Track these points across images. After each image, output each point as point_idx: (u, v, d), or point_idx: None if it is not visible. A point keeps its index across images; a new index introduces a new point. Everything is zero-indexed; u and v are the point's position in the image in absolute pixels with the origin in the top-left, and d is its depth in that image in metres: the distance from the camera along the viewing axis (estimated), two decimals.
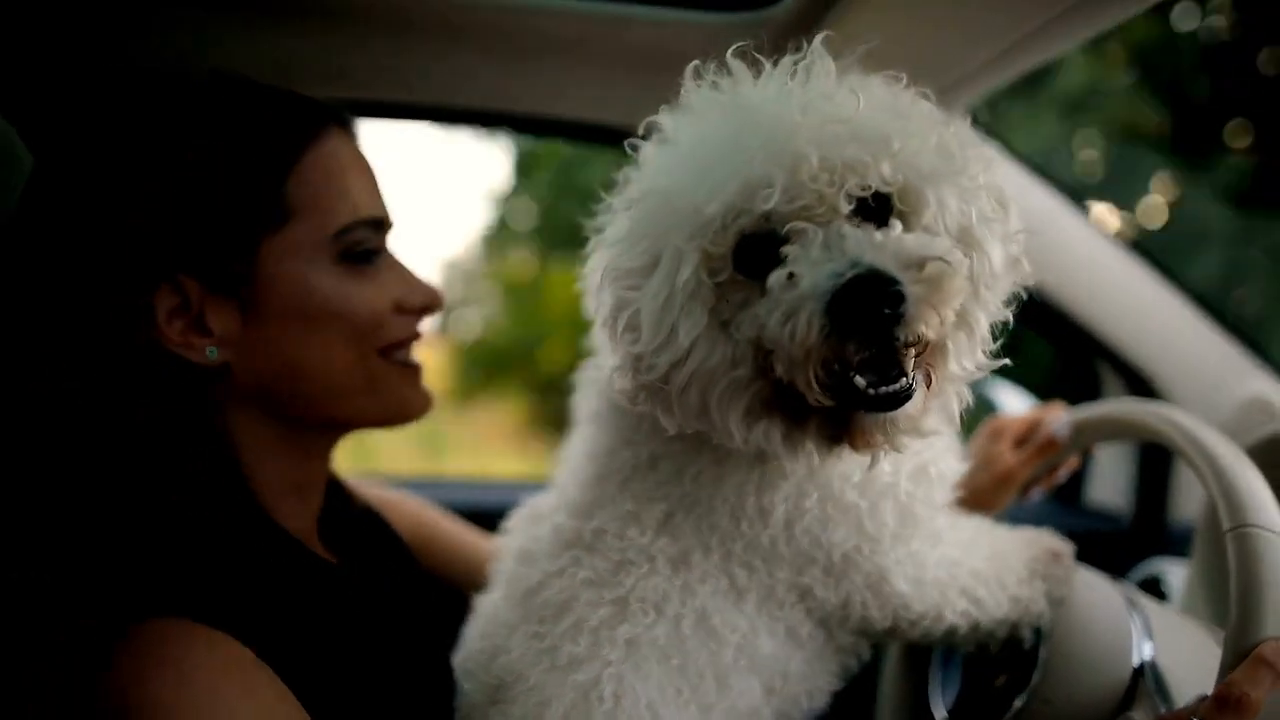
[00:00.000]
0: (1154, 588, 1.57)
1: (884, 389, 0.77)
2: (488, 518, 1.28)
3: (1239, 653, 0.84)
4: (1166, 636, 1.02)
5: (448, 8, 1.29)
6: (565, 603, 0.94)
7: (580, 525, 0.97)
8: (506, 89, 1.44)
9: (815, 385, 0.76)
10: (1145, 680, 0.97)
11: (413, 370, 1.00)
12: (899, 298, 0.73)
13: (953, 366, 0.82)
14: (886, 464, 0.92)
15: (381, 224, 0.94)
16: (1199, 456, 0.98)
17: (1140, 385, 1.83)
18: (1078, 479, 2.06)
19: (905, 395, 0.78)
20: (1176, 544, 1.75)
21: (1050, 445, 1.31)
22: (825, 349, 0.75)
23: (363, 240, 0.92)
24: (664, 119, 0.88)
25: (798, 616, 0.96)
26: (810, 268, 0.75)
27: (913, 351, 0.78)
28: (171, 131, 0.85)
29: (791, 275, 0.75)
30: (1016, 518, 1.77)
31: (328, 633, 0.90)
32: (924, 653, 1.22)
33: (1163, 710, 0.92)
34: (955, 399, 0.85)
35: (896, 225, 0.80)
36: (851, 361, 0.75)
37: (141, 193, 0.83)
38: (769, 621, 0.95)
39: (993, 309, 0.86)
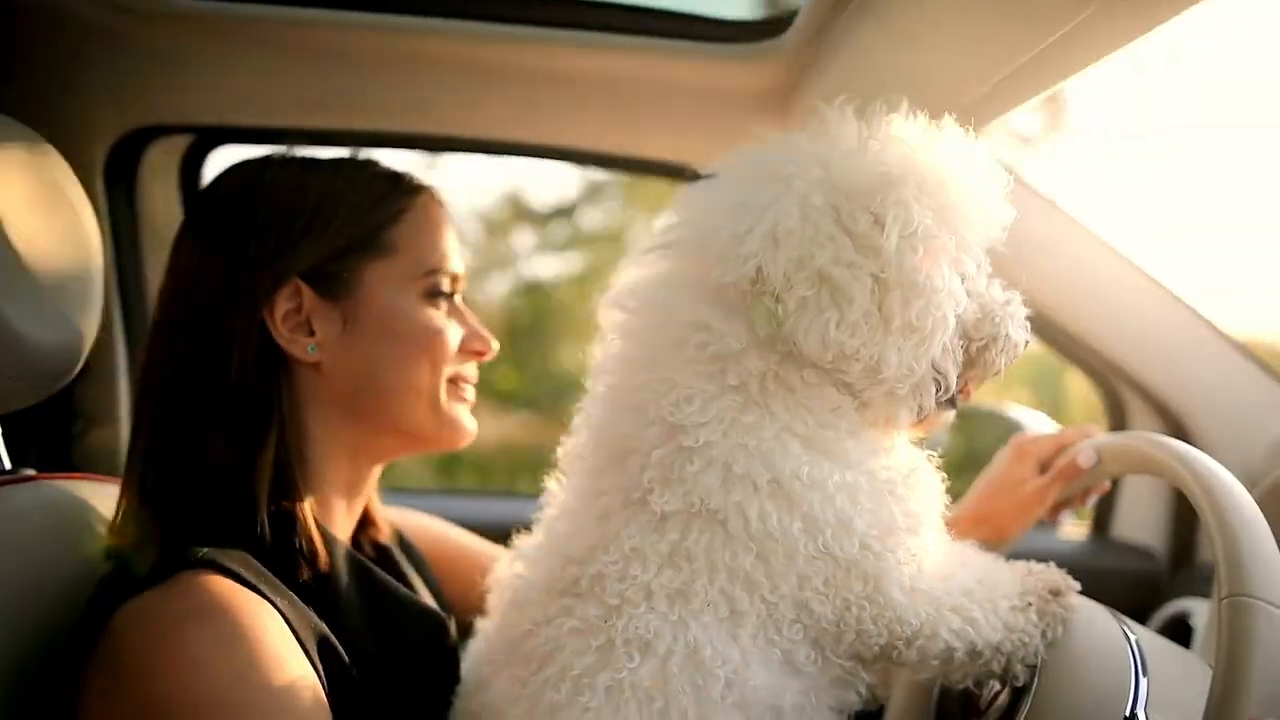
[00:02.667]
0: (1182, 626, 1.53)
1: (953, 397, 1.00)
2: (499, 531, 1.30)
3: None
4: (1164, 671, 0.98)
5: (459, 42, 1.32)
6: (550, 653, 0.94)
7: (578, 572, 0.96)
8: (516, 118, 1.46)
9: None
10: None
11: (466, 403, 1.15)
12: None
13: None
14: (883, 466, 0.95)
15: (458, 277, 1.13)
16: (1209, 509, 0.94)
17: (1170, 418, 1.78)
18: (1107, 512, 2.01)
19: (955, 404, 1.01)
20: (1207, 582, 1.70)
21: (1074, 470, 1.27)
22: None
23: (442, 282, 1.10)
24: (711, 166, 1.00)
25: (795, 638, 0.94)
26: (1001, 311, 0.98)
27: None
28: (319, 174, 1.08)
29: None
30: (1044, 549, 1.77)
31: (350, 623, 1.00)
32: (924, 694, 1.19)
33: None
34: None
35: None
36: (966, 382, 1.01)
37: (289, 212, 1.04)
38: (765, 648, 0.94)
39: None
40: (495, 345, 1.17)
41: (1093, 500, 1.39)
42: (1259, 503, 1.20)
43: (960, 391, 1.01)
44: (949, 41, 1.10)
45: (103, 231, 1.16)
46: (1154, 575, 1.88)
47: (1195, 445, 1.74)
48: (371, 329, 1.06)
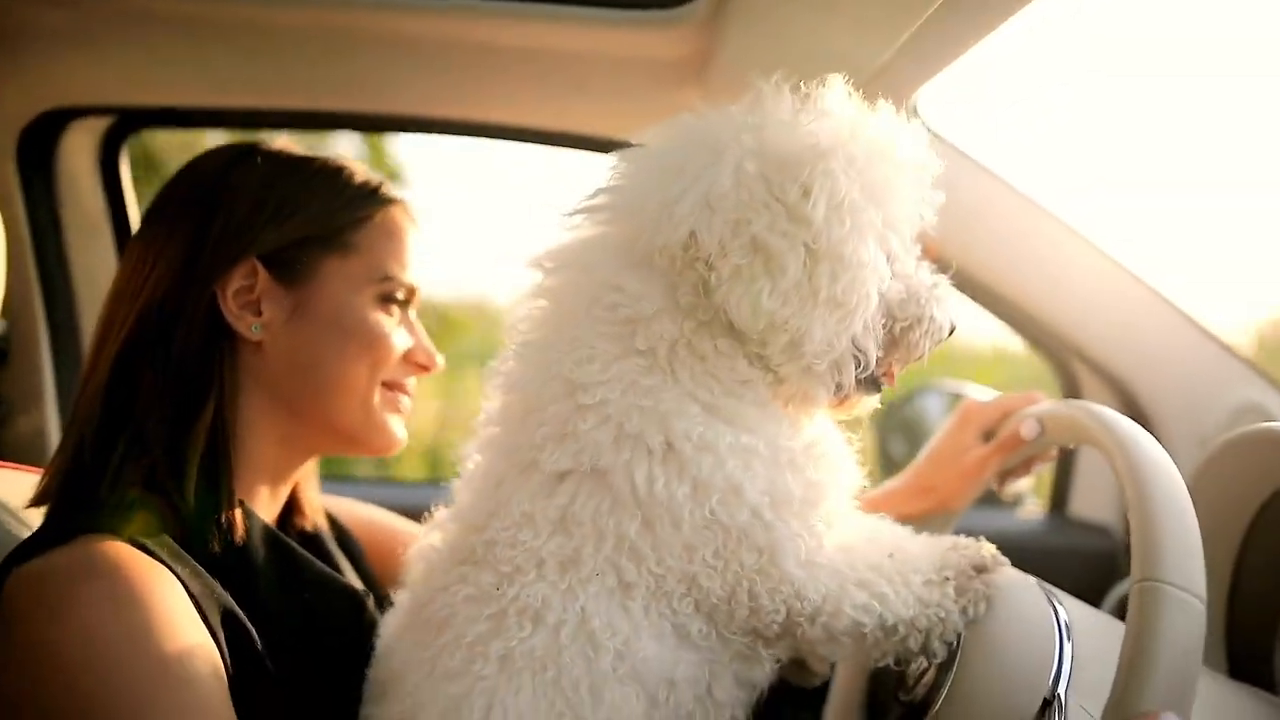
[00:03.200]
0: None
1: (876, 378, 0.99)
2: None
3: (1116, 718, 0.77)
4: (1092, 643, 0.95)
5: (378, 17, 1.30)
6: (446, 619, 0.94)
7: (474, 539, 0.96)
8: (437, 95, 1.44)
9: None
10: (1053, 714, 0.89)
11: (400, 410, 1.17)
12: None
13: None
14: (785, 434, 0.93)
15: (414, 289, 1.15)
16: (1132, 487, 0.89)
17: (1122, 391, 1.76)
18: (1064, 490, 1.99)
19: (879, 386, 1.00)
20: None
21: (1016, 440, 1.25)
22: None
23: (398, 290, 1.12)
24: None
25: (686, 611, 0.93)
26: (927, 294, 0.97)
27: None
28: (294, 167, 1.11)
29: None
30: (1000, 528, 1.75)
31: (264, 599, 1.01)
32: (863, 669, 1.17)
33: None
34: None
35: None
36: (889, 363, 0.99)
37: (258, 197, 1.07)
38: (656, 620, 0.92)
39: None
40: (440, 362, 1.18)
41: (1039, 468, 1.35)
42: (1205, 467, 1.18)
43: (884, 374, 1.00)
44: (843, 6, 1.07)
45: (14, 218, 1.13)
46: (1111, 553, 1.86)
47: (1148, 417, 1.75)
48: (318, 320, 1.09)
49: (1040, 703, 0.91)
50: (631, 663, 0.91)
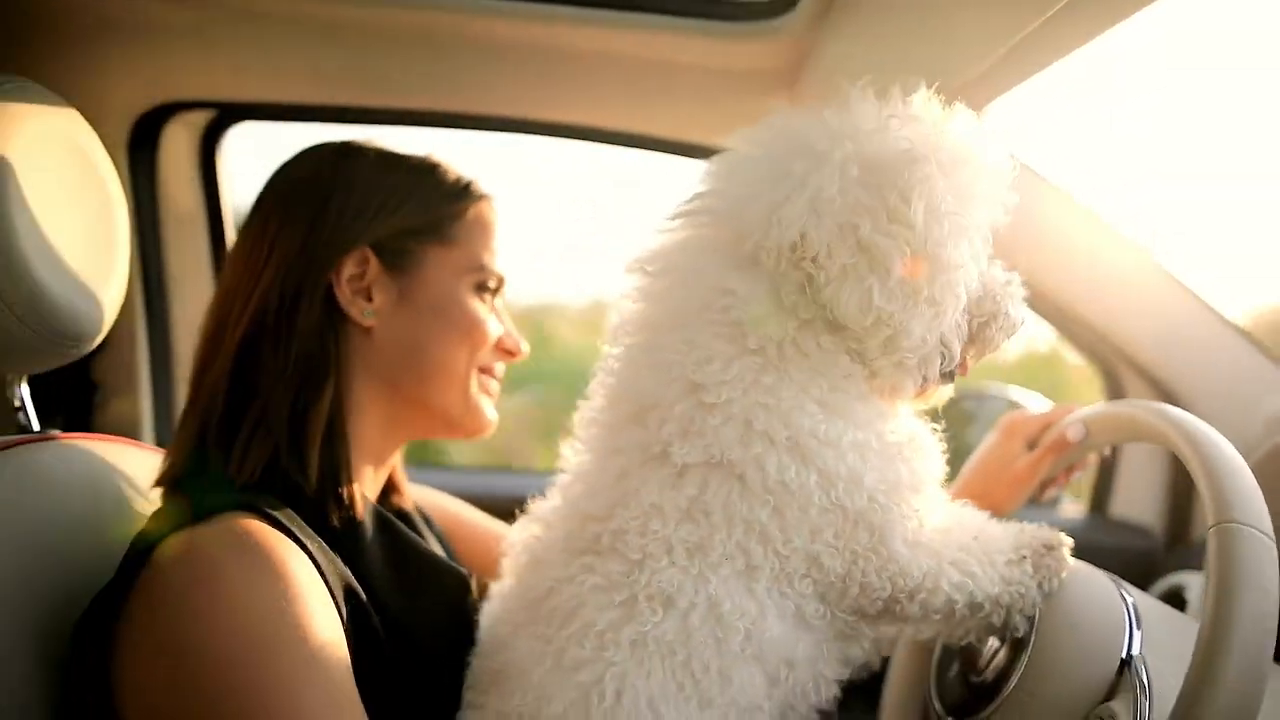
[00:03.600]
0: (1177, 599, 1.56)
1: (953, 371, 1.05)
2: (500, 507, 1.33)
3: (1211, 652, 0.83)
4: (1156, 629, 1.01)
5: (473, 18, 1.35)
6: (573, 609, 0.97)
7: (598, 529, 0.99)
8: (529, 96, 1.49)
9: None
10: (1130, 673, 0.96)
11: (491, 394, 1.23)
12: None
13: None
14: (890, 429, 0.99)
15: (502, 279, 1.21)
16: (1191, 451, 0.98)
17: (1166, 395, 1.81)
18: (1105, 491, 2.04)
19: (954, 378, 1.06)
20: (1202, 557, 1.72)
21: (1063, 444, 1.30)
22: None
23: (490, 279, 1.18)
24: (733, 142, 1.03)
25: (805, 592, 0.97)
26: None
27: None
28: (398, 163, 1.17)
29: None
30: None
31: (374, 575, 1.05)
32: (926, 652, 1.23)
33: (1143, 702, 0.92)
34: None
35: None
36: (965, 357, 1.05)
37: (369, 189, 1.13)
38: (779, 600, 0.97)
39: None
40: (526, 348, 1.24)
41: (1078, 476, 1.41)
42: (1255, 470, 1.24)
43: (958, 366, 1.05)
44: (948, 19, 1.12)
45: (127, 205, 1.19)
46: (1150, 552, 1.91)
47: None
48: (423, 306, 1.14)
49: (1118, 664, 0.97)
50: (758, 643, 0.95)
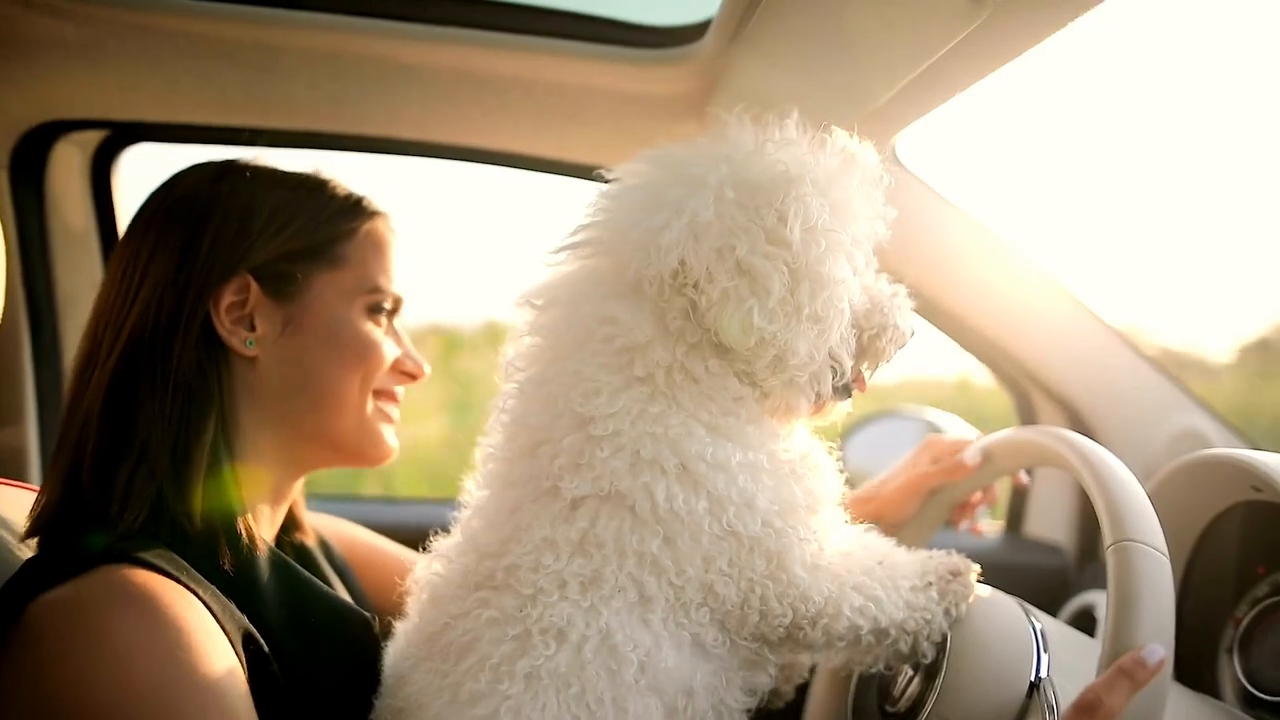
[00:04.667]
0: (1088, 618, 1.59)
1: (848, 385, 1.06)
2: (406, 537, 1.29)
3: (1113, 661, 0.86)
4: (1062, 651, 1.03)
5: (379, 41, 1.32)
6: (469, 644, 0.96)
7: (492, 565, 0.97)
8: (436, 120, 1.46)
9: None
10: (1039, 695, 0.98)
11: (391, 420, 1.19)
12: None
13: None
14: (783, 448, 0.99)
15: (399, 299, 1.17)
16: (1087, 473, 1.00)
17: (1075, 417, 1.86)
18: (1019, 512, 2.08)
19: (850, 393, 1.06)
20: None
21: (959, 466, 1.31)
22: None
23: (385, 300, 1.14)
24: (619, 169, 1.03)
25: (702, 620, 0.97)
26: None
27: None
28: (282, 182, 1.12)
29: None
30: (960, 545, 1.81)
31: (271, 619, 1.00)
32: (843, 685, 1.23)
33: None
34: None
35: None
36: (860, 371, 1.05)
37: (249, 211, 1.08)
38: (674, 630, 0.96)
39: None
40: (427, 369, 1.20)
41: (983, 508, 1.43)
42: (1155, 491, 1.28)
43: (854, 381, 1.06)
44: (855, 47, 1.13)
45: (6, 229, 1.12)
46: (1063, 570, 1.96)
47: (1098, 441, 1.85)
48: (311, 333, 1.09)
49: (1027, 686, 0.99)
50: (653, 674, 0.94)
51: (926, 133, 1.52)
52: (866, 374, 1.08)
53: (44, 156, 1.58)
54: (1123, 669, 0.85)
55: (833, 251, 0.96)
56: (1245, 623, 1.25)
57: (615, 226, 0.99)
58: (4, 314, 1.07)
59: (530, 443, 0.98)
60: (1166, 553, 0.93)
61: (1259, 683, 1.19)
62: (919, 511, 1.36)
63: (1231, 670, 1.24)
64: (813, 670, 1.27)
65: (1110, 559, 0.92)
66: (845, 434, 2.23)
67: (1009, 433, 1.29)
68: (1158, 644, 0.87)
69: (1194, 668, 1.27)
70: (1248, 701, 1.19)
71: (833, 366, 1.01)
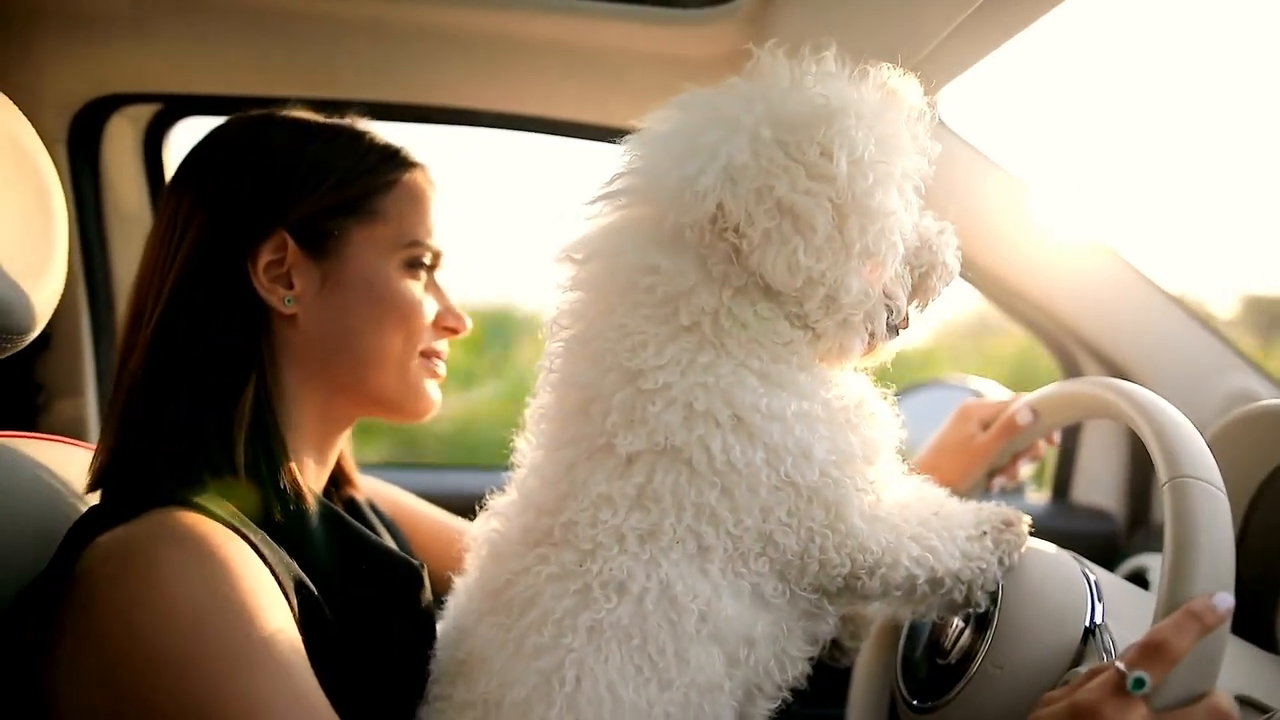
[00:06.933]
0: (1140, 581, 1.57)
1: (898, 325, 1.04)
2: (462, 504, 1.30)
3: (1171, 606, 0.84)
4: (1117, 602, 1.02)
5: (422, 8, 1.34)
6: (530, 599, 0.96)
7: (550, 522, 0.98)
8: (479, 86, 1.47)
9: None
10: (1095, 640, 0.97)
11: (435, 376, 1.18)
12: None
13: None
14: (836, 396, 0.98)
15: (439, 253, 1.16)
16: (1139, 416, 0.99)
17: (1123, 378, 1.83)
18: (1066, 478, 2.06)
19: (899, 331, 1.04)
20: (1161, 539, 1.75)
21: (1013, 426, 1.30)
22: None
23: (424, 255, 1.12)
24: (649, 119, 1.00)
25: (762, 571, 0.96)
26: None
27: None
28: (317, 135, 1.10)
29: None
30: None
31: (321, 569, 1.01)
32: (892, 642, 1.23)
33: None
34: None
35: None
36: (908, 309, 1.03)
37: (283, 167, 1.07)
38: (734, 580, 0.96)
39: None
40: (469, 323, 1.19)
41: (1026, 465, 1.41)
42: (1211, 444, 1.26)
43: (901, 319, 1.05)
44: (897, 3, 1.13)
45: (67, 202, 1.15)
46: (1112, 536, 1.94)
47: None
48: (350, 290, 1.09)
49: (1082, 632, 0.98)
50: (714, 623, 0.94)
51: (969, 93, 1.51)
52: (915, 313, 1.06)
53: (99, 131, 1.62)
54: (1193, 611, 0.83)
55: (881, 184, 0.94)
56: None
57: (651, 174, 0.98)
58: (64, 289, 1.10)
59: (581, 400, 0.98)
60: (1224, 490, 0.90)
61: None
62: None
63: None
64: None
65: (1167, 497, 0.90)
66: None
67: (1055, 387, 1.28)
68: (1225, 590, 0.85)
69: (1250, 621, 1.25)
70: None
71: (887, 304, 1.00)
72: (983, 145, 1.67)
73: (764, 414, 0.93)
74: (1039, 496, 2.12)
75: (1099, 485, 2.01)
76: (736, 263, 0.95)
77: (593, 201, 1.01)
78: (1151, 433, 0.96)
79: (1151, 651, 0.82)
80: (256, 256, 1.06)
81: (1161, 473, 0.92)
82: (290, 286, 1.07)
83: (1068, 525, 1.98)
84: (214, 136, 1.12)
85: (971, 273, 1.76)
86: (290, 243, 1.07)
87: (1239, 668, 1.07)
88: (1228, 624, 0.85)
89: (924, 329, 1.10)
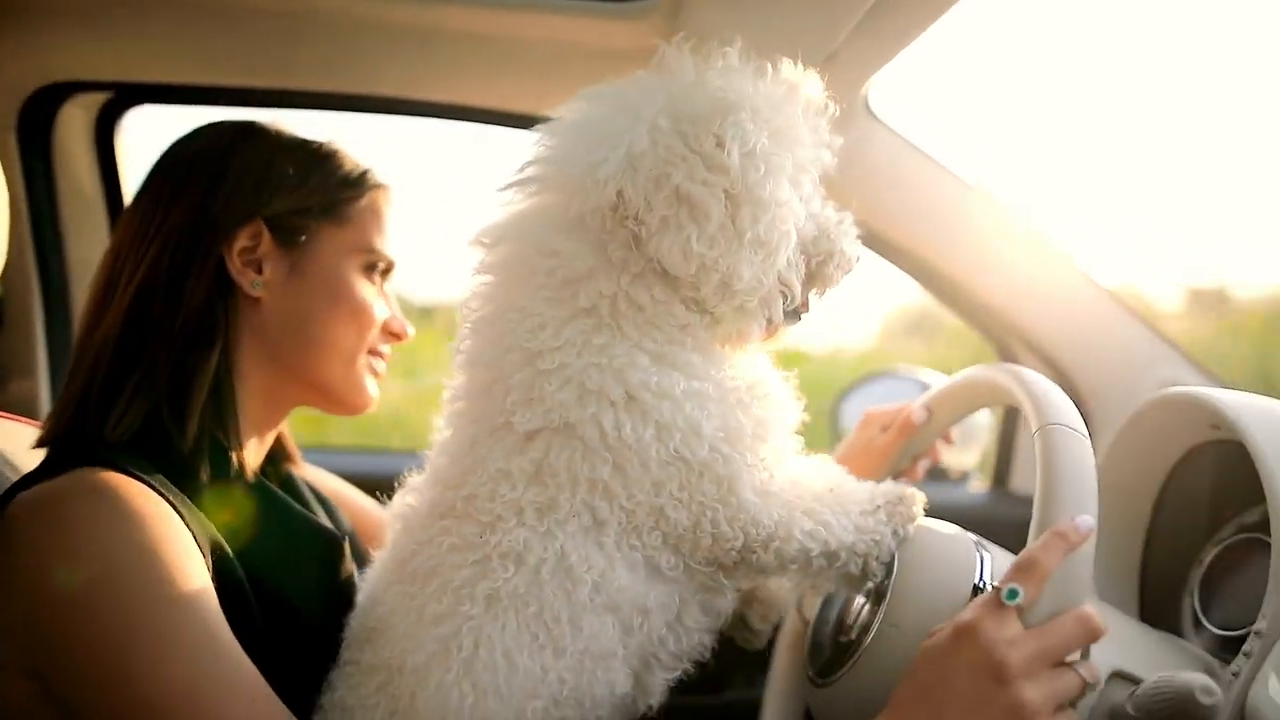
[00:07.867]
0: None
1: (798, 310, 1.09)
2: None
3: (1040, 530, 0.91)
4: (1005, 563, 1.05)
5: (361, 3, 1.37)
6: (433, 569, 1.01)
7: (453, 496, 1.03)
8: (416, 77, 1.51)
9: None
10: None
11: (376, 374, 1.27)
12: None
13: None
14: (729, 376, 1.02)
15: (391, 264, 1.26)
16: (1011, 384, 1.06)
17: (1060, 374, 1.87)
18: (1005, 467, 2.10)
19: (799, 317, 1.09)
20: None
21: (910, 426, 1.35)
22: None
23: (380, 262, 1.23)
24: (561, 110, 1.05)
25: (655, 544, 1.00)
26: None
27: None
28: (297, 145, 1.21)
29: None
30: (947, 502, 1.84)
31: (242, 538, 1.07)
32: (805, 624, 1.27)
33: None
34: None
35: None
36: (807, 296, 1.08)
37: (267, 166, 1.17)
38: (627, 553, 1.00)
39: None
40: (411, 331, 1.28)
41: (925, 465, 1.46)
42: (1127, 428, 1.30)
43: (802, 306, 1.09)
44: None
45: (12, 191, 1.19)
46: None
47: (1082, 397, 1.86)
48: (313, 282, 1.18)
49: (971, 589, 1.03)
50: (607, 593, 0.98)
51: (901, 84, 1.54)
52: (814, 300, 1.11)
53: (51, 118, 1.65)
54: (1058, 531, 0.89)
55: (773, 175, 0.98)
56: (1208, 562, 1.26)
57: (557, 162, 1.03)
58: (16, 270, 1.14)
59: (485, 380, 1.02)
60: (1086, 433, 0.98)
61: (1216, 620, 1.20)
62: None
63: (1192, 609, 1.25)
64: None
65: (1037, 443, 0.98)
66: (841, 395, 2.27)
67: (940, 385, 1.34)
68: (1086, 514, 0.91)
69: (1158, 607, 1.29)
70: (1206, 638, 1.20)
71: (782, 291, 1.03)
72: (919, 138, 1.70)
73: (654, 392, 0.97)
74: (979, 485, 2.15)
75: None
76: (635, 249, 0.99)
77: (505, 188, 1.06)
78: (1022, 394, 1.04)
79: (1023, 568, 0.88)
80: (233, 241, 1.14)
81: (1032, 424, 1.00)
82: (260, 272, 1.16)
83: (1008, 513, 2.01)
84: (202, 133, 1.22)
85: (909, 265, 1.79)
86: (266, 232, 1.16)
87: (1147, 653, 1.11)
88: (1092, 543, 0.91)
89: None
